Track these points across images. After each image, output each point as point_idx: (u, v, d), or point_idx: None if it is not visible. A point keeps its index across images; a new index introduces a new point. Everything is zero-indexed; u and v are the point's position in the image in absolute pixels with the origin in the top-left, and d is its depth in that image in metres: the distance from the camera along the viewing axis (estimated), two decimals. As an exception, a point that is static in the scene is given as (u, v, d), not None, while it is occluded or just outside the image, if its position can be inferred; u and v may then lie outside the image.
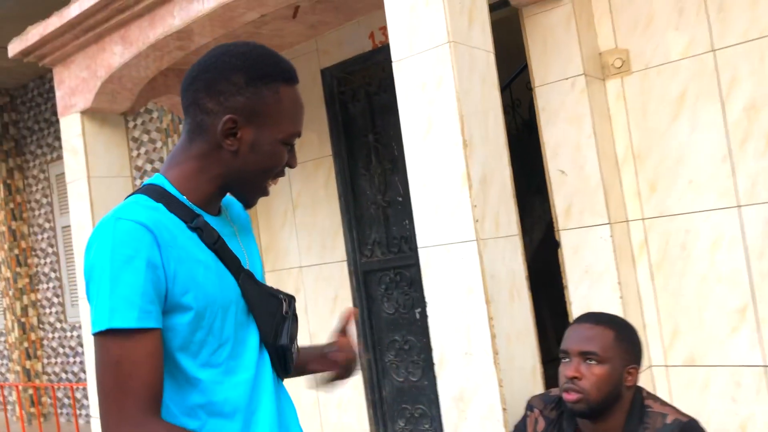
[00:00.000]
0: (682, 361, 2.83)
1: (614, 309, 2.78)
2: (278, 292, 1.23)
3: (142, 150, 4.41)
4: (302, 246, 4.18)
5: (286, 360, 1.22)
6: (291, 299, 1.25)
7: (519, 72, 4.16)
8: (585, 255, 2.85)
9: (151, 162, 4.44)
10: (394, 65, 2.36)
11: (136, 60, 3.31)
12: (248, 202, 1.24)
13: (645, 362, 2.85)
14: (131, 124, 4.32)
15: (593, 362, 1.71)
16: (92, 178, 3.61)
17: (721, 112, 2.73)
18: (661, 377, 2.89)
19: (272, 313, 1.20)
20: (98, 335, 1.03)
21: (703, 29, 2.76)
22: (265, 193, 1.23)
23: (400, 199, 3.77)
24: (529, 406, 1.88)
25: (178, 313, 1.07)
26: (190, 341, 1.09)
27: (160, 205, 1.11)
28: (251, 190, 1.21)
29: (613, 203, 2.86)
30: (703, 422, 2.75)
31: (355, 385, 3.93)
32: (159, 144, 4.38)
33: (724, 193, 2.73)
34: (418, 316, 3.71)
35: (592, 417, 1.72)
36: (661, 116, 2.87)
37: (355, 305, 3.94)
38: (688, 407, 2.82)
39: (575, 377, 1.70)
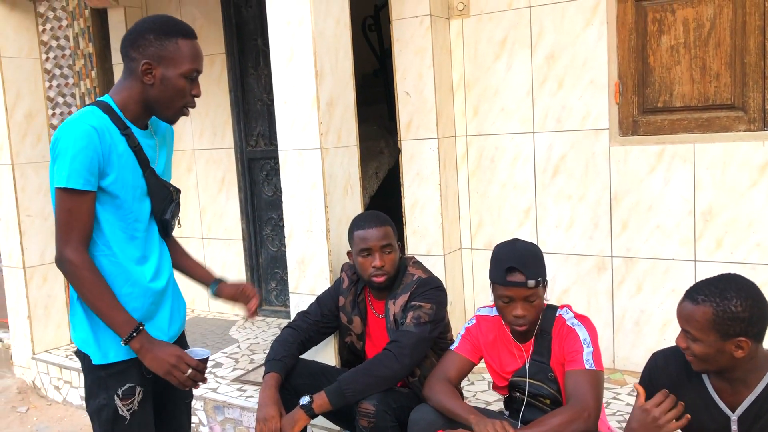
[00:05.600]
0: (482, 245, 3.74)
1: (435, 204, 3.62)
2: (170, 185, 1.94)
3: (48, 26, 4.71)
4: (195, 132, 4.77)
5: (167, 228, 1.98)
6: (177, 191, 1.98)
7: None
8: (418, 161, 3.64)
9: (57, 39, 4.77)
10: (267, 1, 2.94)
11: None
12: (168, 120, 1.89)
13: (456, 245, 3.75)
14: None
15: (389, 252, 2.48)
16: (3, 58, 4.02)
17: (529, 57, 3.49)
18: (467, 256, 3.80)
19: (163, 198, 1.92)
20: (59, 189, 1.70)
21: (523, -12, 3.46)
22: (184, 113, 1.88)
23: (282, 99, 4.38)
24: (342, 269, 2.69)
25: (104, 178, 1.74)
26: (118, 207, 1.78)
27: (106, 116, 1.77)
28: (167, 112, 1.84)
29: (443, 122, 3.62)
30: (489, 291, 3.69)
31: (236, 251, 4.70)
32: (64, 23, 4.71)
33: (525, 121, 3.54)
34: (290, 199, 4.44)
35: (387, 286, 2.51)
36: (488, 54, 3.60)
37: (240, 187, 4.63)
38: (484, 279, 3.76)
39: (382, 265, 2.45)
